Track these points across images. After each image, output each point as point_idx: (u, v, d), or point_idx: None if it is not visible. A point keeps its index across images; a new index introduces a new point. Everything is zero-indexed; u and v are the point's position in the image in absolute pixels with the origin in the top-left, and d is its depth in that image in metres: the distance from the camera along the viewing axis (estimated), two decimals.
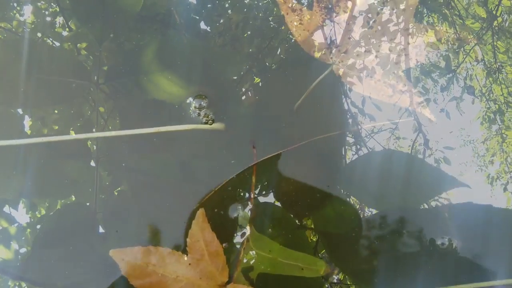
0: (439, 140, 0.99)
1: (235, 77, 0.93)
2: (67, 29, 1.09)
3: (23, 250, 1.02)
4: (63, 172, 0.73)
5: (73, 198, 0.86)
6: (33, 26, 1.07)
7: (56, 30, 1.09)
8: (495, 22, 1.10)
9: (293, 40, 1.18)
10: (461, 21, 1.10)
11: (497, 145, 1.08)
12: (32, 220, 1.06)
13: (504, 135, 1.07)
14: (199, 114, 0.69)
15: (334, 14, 0.67)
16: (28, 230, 1.04)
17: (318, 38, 0.67)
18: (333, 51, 0.67)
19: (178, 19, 1.06)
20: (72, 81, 0.73)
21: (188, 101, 0.72)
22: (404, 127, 0.96)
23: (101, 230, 0.72)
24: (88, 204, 0.75)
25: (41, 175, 0.72)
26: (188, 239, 0.62)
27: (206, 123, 0.68)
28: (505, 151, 1.07)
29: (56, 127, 1.07)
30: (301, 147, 0.65)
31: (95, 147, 0.96)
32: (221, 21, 1.05)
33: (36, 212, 1.06)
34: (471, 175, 1.04)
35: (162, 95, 0.73)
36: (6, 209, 1.01)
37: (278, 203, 0.67)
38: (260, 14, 1.08)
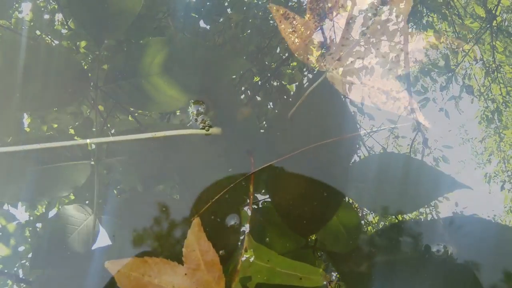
0: (438, 139, 1.00)
1: (234, 76, 0.93)
2: (66, 27, 1.09)
3: (21, 248, 1.02)
4: (62, 172, 0.73)
5: (72, 197, 0.86)
6: (31, 23, 1.06)
7: (55, 28, 1.08)
8: (494, 21, 1.10)
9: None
10: (460, 20, 1.10)
11: (495, 144, 1.08)
12: (32, 218, 1.06)
13: (502, 134, 1.07)
14: (196, 120, 0.69)
15: (327, 22, 0.67)
16: (27, 228, 1.04)
17: (311, 45, 0.67)
18: (327, 58, 0.67)
19: (178, 18, 1.05)
20: (71, 84, 0.73)
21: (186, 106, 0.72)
22: (403, 126, 0.96)
23: (102, 232, 0.72)
24: (88, 206, 0.75)
25: (40, 176, 0.72)
26: (183, 249, 0.60)
27: (203, 129, 0.67)
28: (503, 150, 1.08)
29: (56, 125, 1.07)
30: (299, 153, 0.65)
31: (93, 145, 0.97)
32: (221, 20, 1.05)
33: (35, 211, 1.07)
34: (469, 173, 1.04)
35: (162, 98, 0.72)
36: (5, 206, 1.01)
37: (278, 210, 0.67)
38: (260, 13, 1.08)
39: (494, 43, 1.08)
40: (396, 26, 0.67)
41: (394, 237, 0.63)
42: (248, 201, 0.64)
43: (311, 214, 0.63)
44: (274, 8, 0.68)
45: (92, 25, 0.75)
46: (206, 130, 0.67)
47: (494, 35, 1.10)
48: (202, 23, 1.06)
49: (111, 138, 0.71)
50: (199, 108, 0.69)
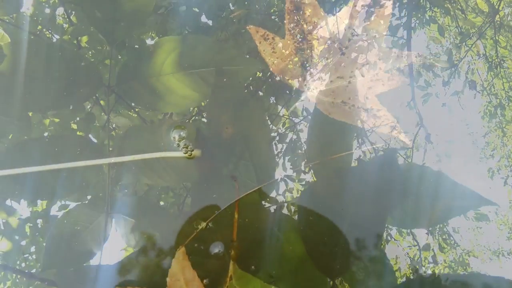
0: (440, 134, 1.00)
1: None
2: (67, 21, 1.08)
3: (23, 242, 1.02)
4: (74, 171, 0.72)
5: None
6: (34, 18, 1.06)
7: (64, 27, 1.08)
8: (497, 16, 1.10)
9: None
10: (463, 15, 1.09)
11: (498, 139, 1.09)
12: (34, 213, 1.06)
13: (505, 129, 1.07)
14: (178, 145, 0.68)
15: (307, 42, 0.68)
16: (28, 225, 1.04)
17: (292, 65, 0.68)
18: (307, 78, 0.67)
19: (179, 13, 1.05)
20: (84, 84, 0.73)
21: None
22: (405, 121, 0.96)
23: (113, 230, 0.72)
24: (98, 204, 0.74)
25: (51, 174, 0.71)
26: (168, 278, 0.58)
27: (185, 153, 0.67)
28: (505, 144, 1.08)
29: (57, 120, 1.07)
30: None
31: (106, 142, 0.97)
32: (223, 15, 1.04)
33: (36, 207, 1.06)
34: (472, 168, 1.04)
35: (174, 99, 0.72)
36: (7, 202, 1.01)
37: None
38: (262, 8, 1.07)
39: (497, 37, 1.08)
40: (373, 44, 0.68)
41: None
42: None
43: (342, 253, 0.61)
44: (253, 29, 0.68)
45: (106, 25, 0.74)
46: (189, 155, 0.66)
47: (497, 29, 1.09)
48: (204, 18, 1.06)
49: (85, 162, 0.69)
50: (181, 133, 0.68)
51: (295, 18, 0.68)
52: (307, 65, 0.68)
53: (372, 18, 0.67)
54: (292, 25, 0.68)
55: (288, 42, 0.68)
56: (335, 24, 0.68)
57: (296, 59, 0.68)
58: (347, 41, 0.68)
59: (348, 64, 0.67)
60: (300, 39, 0.68)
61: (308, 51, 0.68)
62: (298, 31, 0.68)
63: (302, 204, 0.64)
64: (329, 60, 0.67)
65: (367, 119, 0.66)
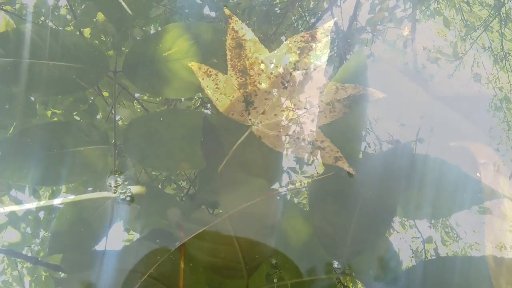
0: (444, 126, 0.99)
1: None
2: (70, 11, 1.08)
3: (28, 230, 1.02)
4: (82, 159, 0.72)
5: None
6: (36, 9, 1.05)
7: (62, 14, 1.07)
8: (503, 9, 1.09)
9: (299, 28, 1.17)
10: (468, 7, 1.09)
11: (503, 132, 1.08)
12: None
13: (510, 123, 1.06)
14: (115, 192, 0.67)
15: (249, 77, 0.69)
16: (29, 216, 1.04)
17: (236, 101, 0.69)
18: (251, 112, 0.69)
19: (182, 4, 1.04)
20: (90, 69, 0.73)
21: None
22: (407, 114, 0.95)
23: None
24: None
25: (59, 160, 0.71)
26: None
27: (124, 199, 0.66)
28: (510, 139, 1.07)
29: (60, 111, 1.06)
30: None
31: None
32: (225, 8, 1.03)
33: (39, 199, 1.06)
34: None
35: (179, 84, 0.73)
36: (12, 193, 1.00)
37: None
38: (266, 0, 1.07)
39: (502, 30, 1.08)
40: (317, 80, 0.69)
41: None
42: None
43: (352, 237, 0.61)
44: (196, 66, 0.69)
45: (113, 12, 0.75)
46: (128, 200, 0.66)
47: (502, 22, 1.09)
48: (207, 10, 1.05)
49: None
50: (118, 179, 0.68)
51: (237, 54, 0.70)
52: (251, 100, 0.69)
53: (310, 52, 0.69)
54: (234, 61, 0.70)
55: (231, 77, 0.69)
56: (276, 59, 0.70)
57: (240, 94, 0.69)
58: (289, 75, 0.70)
59: (291, 98, 0.69)
60: (242, 75, 0.70)
61: (251, 86, 0.69)
62: (240, 67, 0.70)
63: (314, 187, 0.65)
64: (271, 94, 0.69)
65: (312, 151, 0.67)
